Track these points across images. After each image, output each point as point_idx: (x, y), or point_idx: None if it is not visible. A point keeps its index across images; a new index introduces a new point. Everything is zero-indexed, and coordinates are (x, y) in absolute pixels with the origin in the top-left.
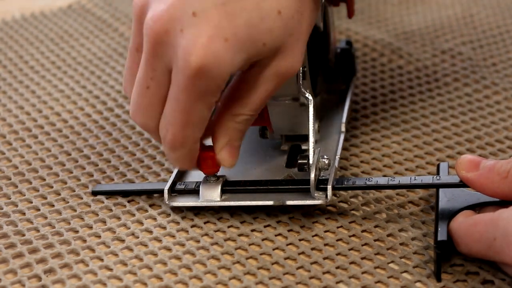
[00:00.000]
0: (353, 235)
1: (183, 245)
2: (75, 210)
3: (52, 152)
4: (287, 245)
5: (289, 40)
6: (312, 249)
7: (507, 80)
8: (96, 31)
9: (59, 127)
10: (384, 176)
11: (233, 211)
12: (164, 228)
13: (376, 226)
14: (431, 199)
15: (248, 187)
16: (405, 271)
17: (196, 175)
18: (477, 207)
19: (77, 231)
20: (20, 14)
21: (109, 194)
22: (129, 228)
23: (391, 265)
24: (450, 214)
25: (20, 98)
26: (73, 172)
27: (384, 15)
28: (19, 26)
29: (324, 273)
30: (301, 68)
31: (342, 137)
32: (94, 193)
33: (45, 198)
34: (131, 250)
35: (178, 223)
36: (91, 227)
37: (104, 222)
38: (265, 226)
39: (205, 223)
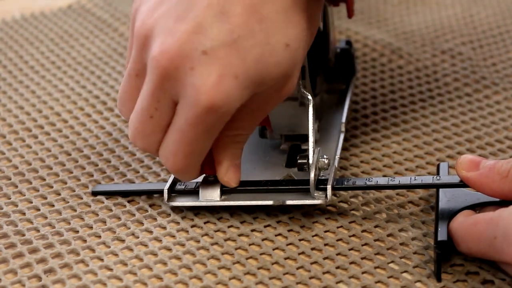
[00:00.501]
0: (353, 235)
1: (183, 245)
2: (75, 210)
3: (52, 152)
4: (287, 245)
5: (292, 70)
6: (312, 249)
7: (507, 80)
8: (96, 31)
9: (59, 127)
10: (384, 176)
11: (233, 211)
12: (164, 228)
13: (376, 226)
14: (431, 199)
15: (248, 187)
16: (405, 271)
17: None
18: (477, 207)
19: (77, 231)
20: (20, 14)
21: (109, 194)
22: (129, 228)
23: (391, 265)
24: (450, 214)
25: (20, 98)
26: (73, 172)
27: (384, 15)
28: (19, 26)
29: (324, 273)
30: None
31: (342, 137)
32: (94, 193)
33: (45, 198)
34: (131, 250)
35: (178, 223)
36: (91, 227)
37: (104, 222)
38: (265, 226)
39: (205, 223)
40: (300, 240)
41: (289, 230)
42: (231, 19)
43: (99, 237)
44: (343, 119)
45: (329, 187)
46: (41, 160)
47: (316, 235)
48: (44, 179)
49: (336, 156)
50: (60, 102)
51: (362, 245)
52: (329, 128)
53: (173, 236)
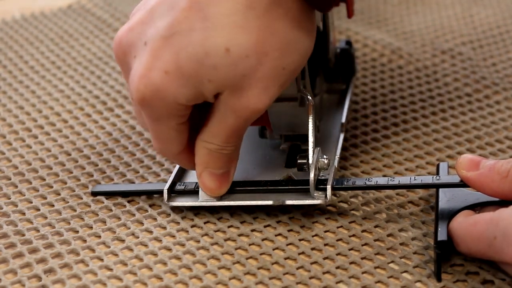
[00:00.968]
0: (353, 235)
1: (183, 245)
2: (75, 210)
3: (52, 152)
4: (287, 245)
5: (243, 80)
6: (312, 249)
7: (507, 80)
8: (96, 31)
9: (59, 127)
10: (384, 176)
11: (233, 211)
12: (164, 228)
13: (376, 226)
14: (431, 199)
15: (248, 187)
16: (405, 271)
17: (196, 176)
18: (477, 207)
19: (77, 231)
20: (20, 14)
21: (109, 194)
22: (129, 228)
23: (391, 265)
24: (450, 214)
25: (20, 98)
26: (73, 172)
27: (384, 15)
28: (19, 26)
29: (324, 273)
30: None
31: (341, 137)
32: (94, 194)
33: (45, 198)
34: (131, 250)
35: (178, 223)
36: (91, 227)
37: (104, 222)
38: (265, 226)
39: (205, 223)
40: (300, 240)
41: (289, 230)
42: (175, 14)
43: (99, 237)
44: (343, 119)
45: (329, 187)
46: (41, 160)
47: (316, 235)
48: (44, 179)
49: (336, 156)
50: (60, 102)
51: (362, 245)
52: (329, 128)
53: (173, 236)
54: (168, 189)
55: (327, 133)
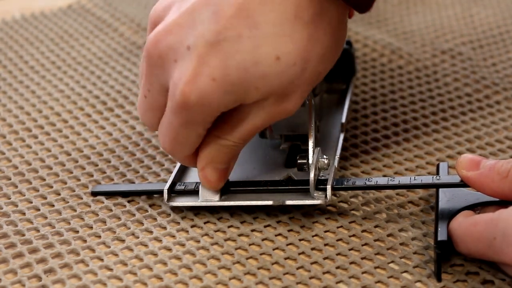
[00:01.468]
0: (353, 235)
1: (183, 245)
2: (75, 210)
3: (52, 152)
4: (287, 245)
5: (288, 87)
6: (312, 249)
7: (507, 80)
8: (96, 31)
9: (59, 127)
10: (384, 176)
11: (233, 211)
12: (164, 228)
13: (376, 226)
14: (431, 199)
15: (248, 187)
16: (405, 271)
17: (196, 176)
18: (478, 207)
19: (77, 231)
20: (20, 14)
21: (109, 194)
22: (129, 228)
23: (391, 265)
24: (450, 214)
25: (20, 98)
26: (73, 172)
27: (384, 15)
28: (19, 26)
29: (324, 273)
30: None
31: (341, 137)
32: (94, 194)
33: (45, 198)
34: (131, 250)
35: (178, 223)
36: (91, 227)
37: (104, 222)
38: (265, 226)
39: (205, 223)
40: (300, 240)
41: (289, 230)
42: (221, 20)
43: (99, 237)
44: (343, 119)
45: (328, 187)
46: (41, 160)
47: (316, 235)
48: (44, 179)
49: (336, 156)
50: (60, 102)
51: (362, 245)
52: (329, 128)
53: (173, 236)
54: (168, 189)
55: (327, 133)
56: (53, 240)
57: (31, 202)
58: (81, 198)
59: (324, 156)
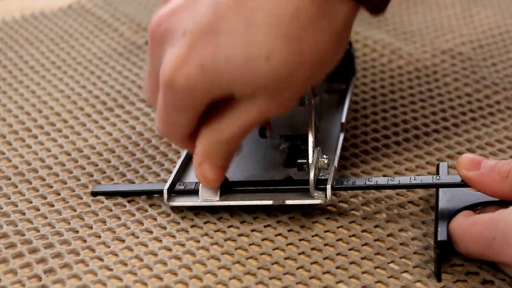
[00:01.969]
0: (353, 235)
1: (183, 245)
2: (75, 210)
3: (52, 152)
4: (287, 245)
5: (280, 86)
6: (312, 249)
7: (507, 80)
8: (96, 31)
9: (59, 127)
10: (384, 176)
11: (233, 211)
12: (164, 228)
13: (376, 226)
14: (431, 199)
15: (248, 187)
16: (405, 271)
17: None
18: (478, 207)
19: (77, 231)
20: (20, 14)
21: (109, 194)
22: (129, 228)
23: (391, 265)
24: (450, 214)
25: (20, 98)
26: (73, 172)
27: (384, 15)
28: (19, 26)
29: (324, 273)
30: None
31: (341, 136)
32: (94, 194)
33: (45, 198)
34: (131, 250)
35: (178, 223)
36: (91, 227)
37: (104, 222)
38: (265, 226)
39: (205, 223)
40: (300, 240)
41: (289, 230)
42: (219, 11)
43: (99, 237)
44: (343, 119)
45: (328, 187)
46: (41, 160)
47: (316, 235)
48: (44, 179)
49: (336, 156)
50: (60, 102)
51: (362, 245)
52: (329, 128)
53: (173, 236)
54: (168, 189)
55: (327, 133)
56: (53, 240)
57: (31, 202)
58: (81, 198)
59: (324, 156)
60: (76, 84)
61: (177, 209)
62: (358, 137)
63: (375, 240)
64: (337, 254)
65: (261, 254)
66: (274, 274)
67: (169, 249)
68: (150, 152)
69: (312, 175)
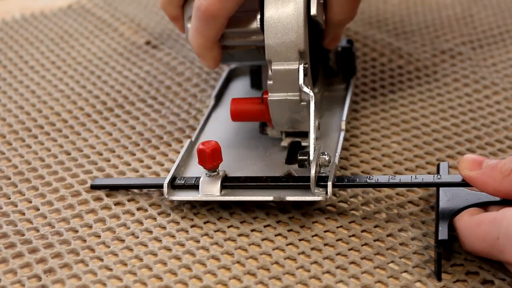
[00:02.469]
0: (353, 235)
1: (183, 245)
2: (74, 210)
3: (52, 152)
4: (287, 245)
5: None
6: (312, 249)
7: (507, 80)
8: (96, 31)
9: (59, 127)
10: (379, 170)
11: (233, 211)
12: (164, 228)
13: (376, 226)
14: (430, 199)
15: (248, 183)
16: (405, 271)
17: (196, 171)
18: (484, 206)
19: (76, 231)
20: (20, 14)
21: (108, 188)
22: (129, 228)
23: (391, 265)
24: (451, 214)
25: (20, 98)
26: (72, 171)
27: (384, 15)
28: (19, 26)
29: (324, 273)
30: (302, 65)
31: (342, 135)
32: (93, 187)
33: (45, 197)
34: (131, 250)
35: (178, 223)
36: (90, 227)
37: (104, 221)
38: (265, 226)
39: (205, 223)
40: (300, 240)
41: (289, 230)
42: None
43: (99, 237)
44: (344, 117)
45: (329, 183)
46: (40, 159)
47: (316, 235)
48: (44, 178)
49: (337, 154)
50: (60, 102)
51: (362, 245)
52: (329, 126)
53: (173, 236)
54: (168, 183)
55: (327, 132)
56: (52, 240)
57: (31, 202)
58: (81, 197)
59: (325, 153)
60: (76, 84)
61: (176, 209)
62: (358, 137)
63: (374, 240)
64: (337, 254)
65: (261, 254)
66: (274, 274)
67: (169, 249)
68: (150, 152)
69: (313, 171)
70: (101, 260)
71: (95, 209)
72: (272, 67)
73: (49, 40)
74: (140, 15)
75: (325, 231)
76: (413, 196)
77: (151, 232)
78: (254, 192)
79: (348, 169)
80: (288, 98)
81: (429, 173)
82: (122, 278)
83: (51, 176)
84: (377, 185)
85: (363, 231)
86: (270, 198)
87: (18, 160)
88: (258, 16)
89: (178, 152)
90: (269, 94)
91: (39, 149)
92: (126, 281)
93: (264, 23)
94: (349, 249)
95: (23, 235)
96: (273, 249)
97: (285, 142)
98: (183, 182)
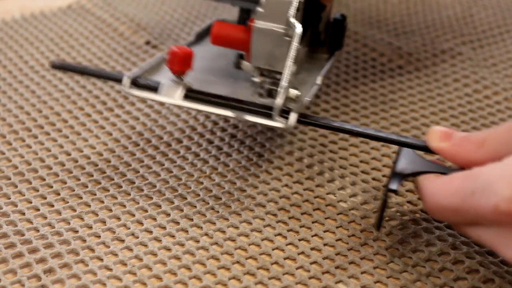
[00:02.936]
0: (353, 235)
1: (182, 245)
2: (74, 210)
3: (52, 152)
4: (287, 245)
5: None
6: (312, 249)
7: (507, 80)
8: (96, 31)
9: (59, 127)
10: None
11: (233, 211)
12: (164, 228)
13: None
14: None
15: (212, 98)
16: (405, 271)
17: (163, 76)
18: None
19: (76, 231)
20: (20, 14)
21: (68, 70)
22: (129, 228)
23: (391, 265)
24: (405, 174)
25: (20, 98)
26: (72, 172)
27: (384, 15)
28: (19, 26)
29: (323, 273)
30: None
31: (316, 88)
32: (53, 66)
33: (45, 198)
34: (130, 250)
35: (177, 223)
36: (90, 227)
37: (104, 222)
38: (264, 226)
39: (204, 222)
40: (299, 240)
41: (288, 230)
42: None
43: (99, 237)
44: (322, 73)
45: (293, 113)
46: (41, 160)
47: (315, 235)
48: (44, 179)
49: (306, 98)
50: (60, 102)
51: (362, 245)
52: (305, 86)
53: (173, 236)
54: (129, 78)
55: (302, 88)
56: (52, 240)
57: (31, 202)
58: (81, 198)
59: (297, 88)
60: (76, 84)
61: (176, 209)
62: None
63: (374, 240)
64: (337, 254)
65: (260, 254)
66: (274, 274)
67: (169, 249)
68: (150, 152)
69: (279, 99)
70: (101, 260)
71: (95, 210)
72: None
73: (49, 40)
74: (140, 15)
75: (325, 231)
76: (412, 196)
77: (151, 232)
78: (215, 107)
79: (348, 169)
80: (273, 29)
81: None
82: (122, 278)
83: (51, 178)
84: (339, 129)
85: (362, 231)
86: (230, 114)
87: (18, 160)
88: None
89: (178, 152)
90: (256, 21)
91: (39, 149)
92: (126, 281)
93: None
94: (349, 249)
95: (23, 235)
96: (273, 249)
97: (257, 78)
98: (146, 82)
